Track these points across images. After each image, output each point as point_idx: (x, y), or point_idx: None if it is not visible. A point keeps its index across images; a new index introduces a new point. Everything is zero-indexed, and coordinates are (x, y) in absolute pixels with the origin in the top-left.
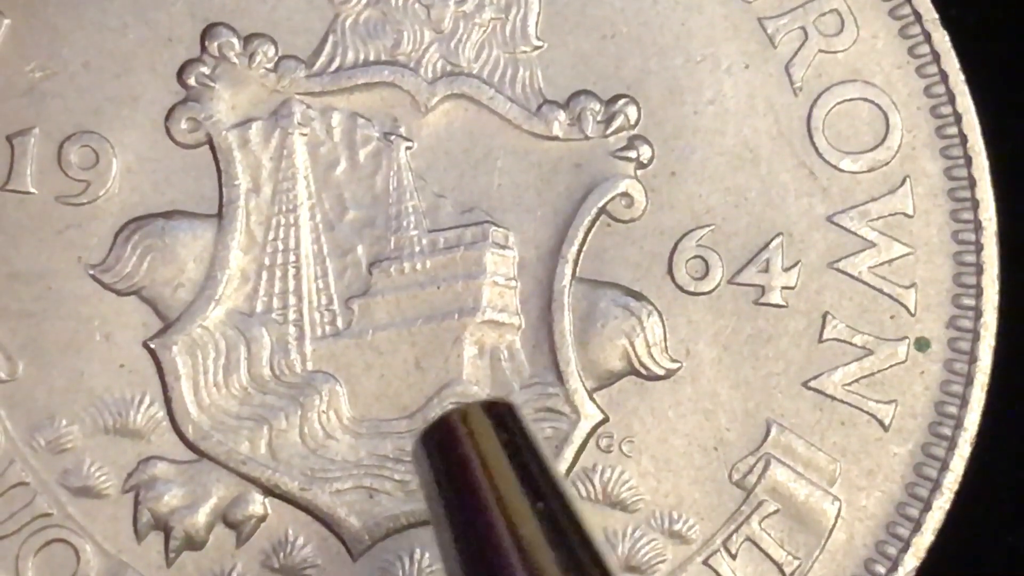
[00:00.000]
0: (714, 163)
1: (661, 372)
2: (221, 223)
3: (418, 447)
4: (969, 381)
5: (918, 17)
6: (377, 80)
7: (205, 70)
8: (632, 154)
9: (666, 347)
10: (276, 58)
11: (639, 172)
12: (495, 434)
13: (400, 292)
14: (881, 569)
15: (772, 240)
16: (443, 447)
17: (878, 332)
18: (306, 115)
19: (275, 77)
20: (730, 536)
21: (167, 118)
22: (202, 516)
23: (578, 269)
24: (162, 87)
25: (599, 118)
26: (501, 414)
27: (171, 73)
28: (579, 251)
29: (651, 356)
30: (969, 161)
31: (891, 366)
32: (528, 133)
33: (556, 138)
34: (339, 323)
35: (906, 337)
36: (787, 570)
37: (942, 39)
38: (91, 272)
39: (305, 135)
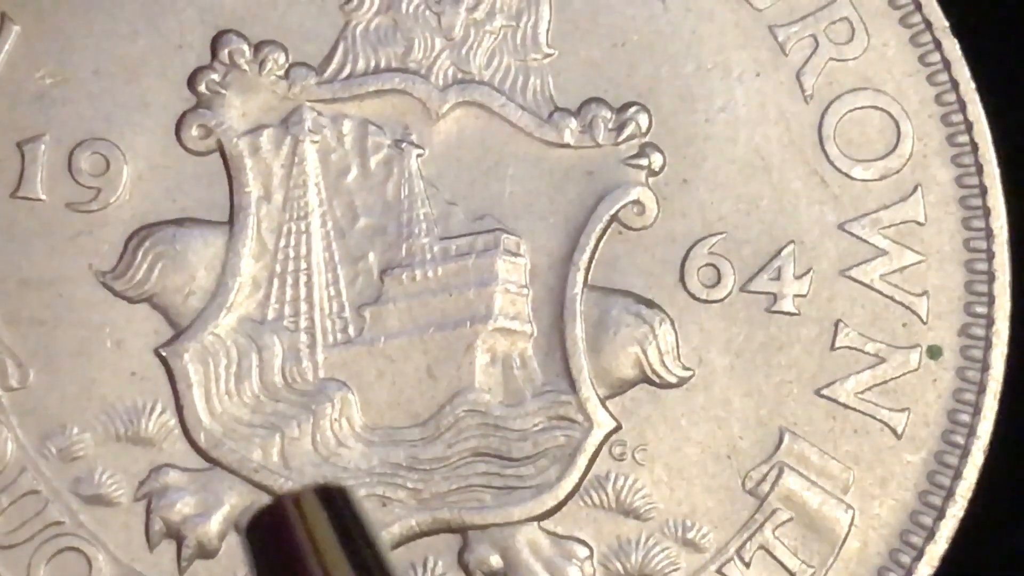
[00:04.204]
0: (725, 171)
1: (673, 380)
2: (232, 230)
3: (247, 532)
4: (982, 389)
5: (928, 25)
6: (388, 87)
7: (216, 77)
8: (643, 162)
9: (678, 355)
10: (287, 65)
11: (650, 180)
12: (328, 520)
13: (412, 299)
14: None
15: (784, 248)
16: (274, 533)
17: (890, 340)
18: (317, 122)
19: (286, 84)
20: (743, 544)
21: (178, 125)
22: (214, 524)
23: (590, 277)
24: (172, 94)
25: (610, 126)
26: (334, 498)
27: (181, 80)
28: (591, 259)
29: (663, 364)
30: (980, 169)
31: (903, 374)
32: (539, 140)
33: (567, 146)
34: (351, 331)
35: (918, 345)
36: None
37: (953, 47)
38: (102, 279)
39: (316, 142)
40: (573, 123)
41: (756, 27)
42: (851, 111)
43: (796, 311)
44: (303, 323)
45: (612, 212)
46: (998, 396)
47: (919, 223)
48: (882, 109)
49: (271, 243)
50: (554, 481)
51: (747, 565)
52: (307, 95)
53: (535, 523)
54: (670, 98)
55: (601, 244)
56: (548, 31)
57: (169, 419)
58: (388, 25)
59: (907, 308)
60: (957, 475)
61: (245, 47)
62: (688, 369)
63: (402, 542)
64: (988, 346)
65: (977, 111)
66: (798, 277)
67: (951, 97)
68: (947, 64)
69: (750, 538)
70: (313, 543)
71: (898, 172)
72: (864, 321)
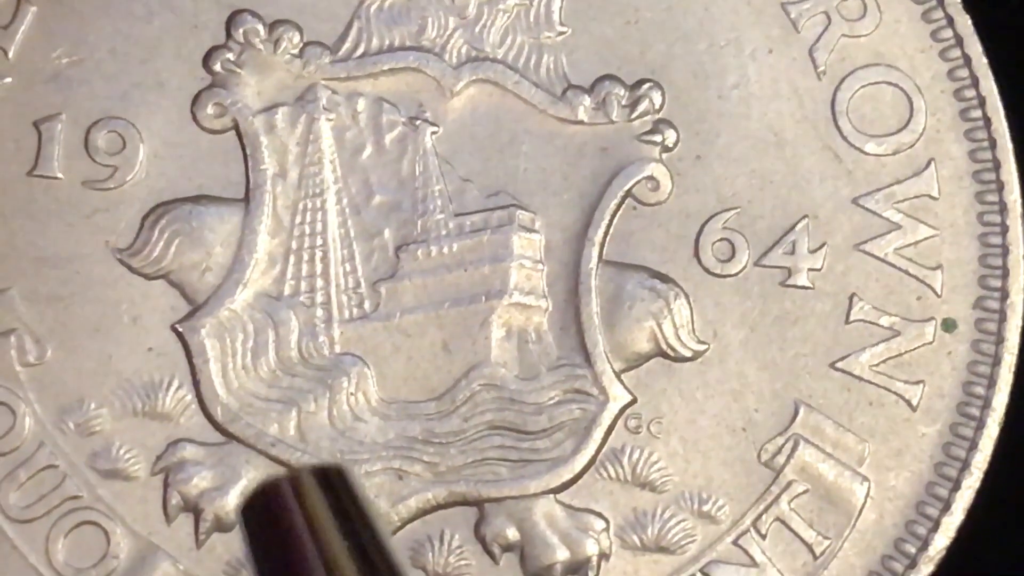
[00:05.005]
0: (739, 147)
1: (688, 354)
2: (248, 207)
3: (243, 514)
4: (996, 361)
5: (940, 1)
6: (402, 65)
7: (231, 56)
8: (657, 138)
9: (693, 329)
10: (301, 44)
11: (664, 156)
12: (326, 501)
13: (427, 275)
14: (911, 549)
15: (798, 222)
16: (271, 514)
17: (905, 313)
18: (332, 100)
19: (300, 63)
20: (759, 516)
21: (193, 104)
22: (231, 498)
23: (604, 252)
24: (188, 73)
25: (624, 102)
26: (332, 480)
27: (197, 59)
28: (605, 234)
29: (678, 338)
30: (993, 143)
31: (918, 347)
32: (553, 118)
33: (581, 122)
34: (367, 306)
35: (933, 318)
36: (817, 550)
37: (965, 23)
38: (119, 256)
39: (331, 120)
40: (587, 100)
41: (768, 4)
42: (864, 87)
43: (811, 285)
44: (319, 299)
45: (626, 188)
46: (1013, 368)
47: (933, 197)
48: (895, 84)
49: (287, 220)
50: (570, 454)
51: (763, 537)
52: (322, 74)
53: (551, 496)
54: (683, 75)
55: (615, 220)
56: (561, 9)
57: (186, 394)
58: (402, 4)
59: (921, 281)
60: (972, 447)
61: (260, 26)
62: (703, 343)
63: (418, 515)
64: (1003, 319)
65: (990, 85)
66: (812, 251)
67: (964, 72)
68: (959, 39)
69: (766, 510)
70: (310, 524)
71: (911, 147)
72: (879, 295)
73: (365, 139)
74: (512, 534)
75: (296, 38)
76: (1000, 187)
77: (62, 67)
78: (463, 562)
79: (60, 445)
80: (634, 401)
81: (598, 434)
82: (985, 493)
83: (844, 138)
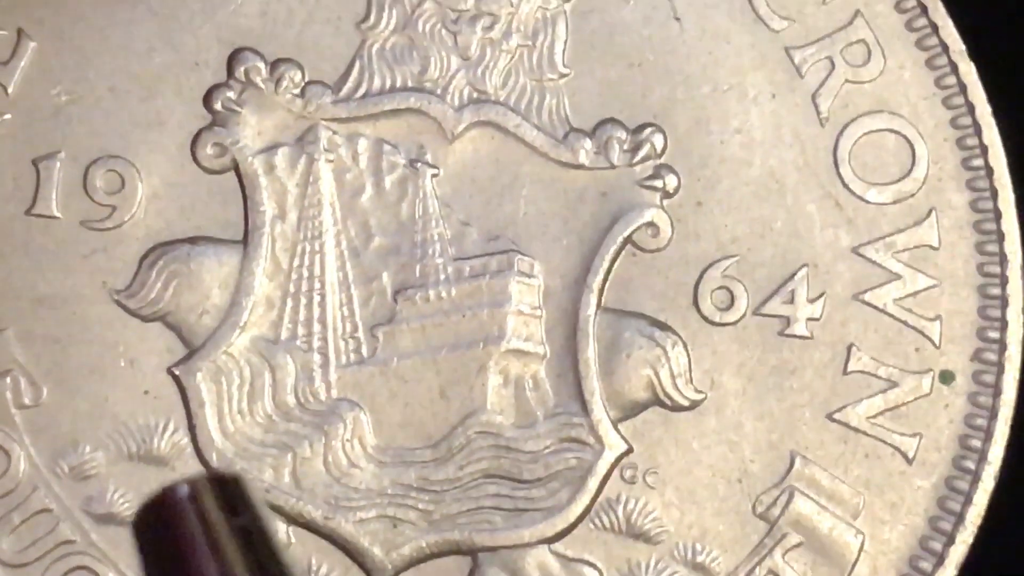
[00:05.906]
0: (740, 193)
1: (686, 403)
2: (246, 249)
3: (134, 526)
4: (993, 415)
5: (945, 48)
6: (404, 107)
7: (231, 95)
8: (658, 183)
9: (691, 378)
10: (303, 83)
11: (665, 202)
12: (223, 510)
13: (425, 320)
14: None
15: (797, 271)
16: (167, 521)
17: (903, 364)
18: (332, 141)
19: (302, 102)
20: (753, 569)
21: (193, 143)
22: None
23: (603, 299)
24: (188, 111)
25: (625, 147)
26: (229, 488)
27: (197, 97)
28: (604, 281)
29: (676, 387)
30: (995, 194)
31: (915, 399)
32: (554, 161)
33: (582, 167)
34: (364, 351)
35: (931, 370)
36: None
37: (969, 71)
38: (116, 297)
39: (331, 161)
40: (588, 144)
41: (772, 49)
42: (866, 134)
43: (809, 335)
44: (316, 343)
45: (626, 234)
46: (1010, 421)
47: (933, 247)
48: (897, 132)
49: (285, 262)
50: (565, 503)
51: None
52: (322, 113)
53: (545, 546)
54: (685, 119)
55: (615, 266)
56: (564, 51)
57: (181, 438)
58: (404, 44)
59: (920, 333)
60: (967, 501)
61: (261, 65)
62: (700, 392)
63: (412, 564)
64: (1000, 371)
65: (992, 135)
66: (811, 300)
67: (967, 120)
68: (963, 87)
69: (760, 562)
70: (207, 531)
71: (913, 196)
72: (877, 345)
73: (365, 181)
74: None
75: (298, 77)
76: (1001, 238)
77: (62, 104)
78: None
79: (55, 489)
80: (630, 450)
81: (593, 483)
82: (979, 548)
83: (845, 186)
